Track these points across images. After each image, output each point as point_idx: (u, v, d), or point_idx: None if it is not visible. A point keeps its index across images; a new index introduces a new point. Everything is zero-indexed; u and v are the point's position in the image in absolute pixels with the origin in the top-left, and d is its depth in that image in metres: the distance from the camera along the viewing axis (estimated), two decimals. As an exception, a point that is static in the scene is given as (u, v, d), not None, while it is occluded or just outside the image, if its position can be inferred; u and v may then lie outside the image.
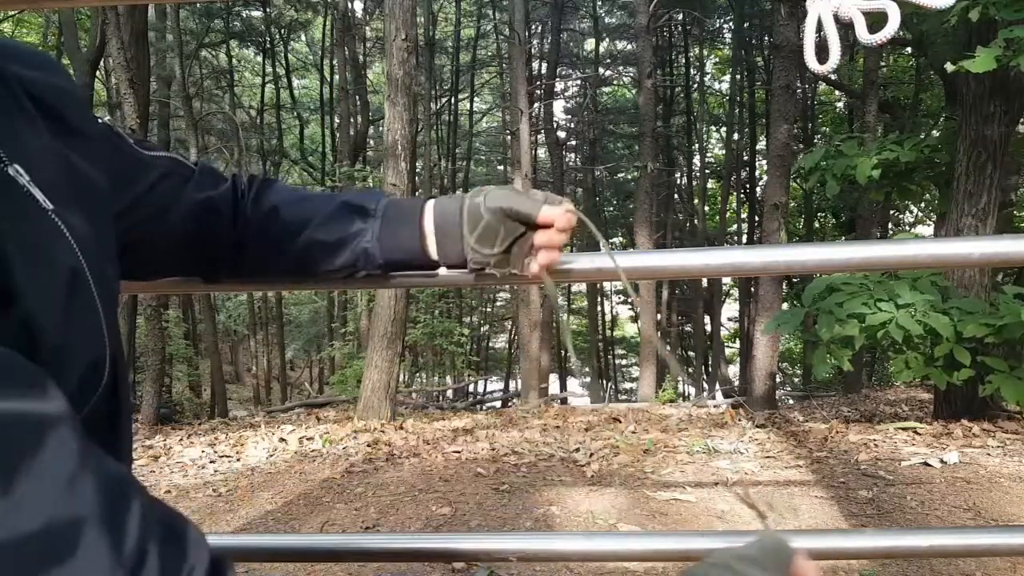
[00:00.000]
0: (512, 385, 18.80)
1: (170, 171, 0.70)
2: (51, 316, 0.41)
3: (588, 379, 18.71)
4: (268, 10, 15.91)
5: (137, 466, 4.23)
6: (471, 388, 16.63)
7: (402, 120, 5.70)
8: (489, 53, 19.14)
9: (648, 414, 5.62)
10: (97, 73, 10.06)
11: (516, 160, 10.88)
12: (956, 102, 4.86)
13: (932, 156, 4.87)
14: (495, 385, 19.98)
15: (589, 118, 17.64)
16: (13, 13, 11.97)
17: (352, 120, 15.48)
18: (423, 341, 12.95)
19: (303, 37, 19.57)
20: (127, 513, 0.34)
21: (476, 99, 20.45)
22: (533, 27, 16.79)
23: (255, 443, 4.63)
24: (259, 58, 18.75)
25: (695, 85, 18.05)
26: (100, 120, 0.61)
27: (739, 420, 5.07)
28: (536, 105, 13.94)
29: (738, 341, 17.36)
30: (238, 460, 4.26)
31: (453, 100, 18.64)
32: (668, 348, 16.16)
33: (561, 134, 18.76)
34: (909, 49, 10.77)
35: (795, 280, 10.21)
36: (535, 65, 17.29)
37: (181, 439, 5.11)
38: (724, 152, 17.44)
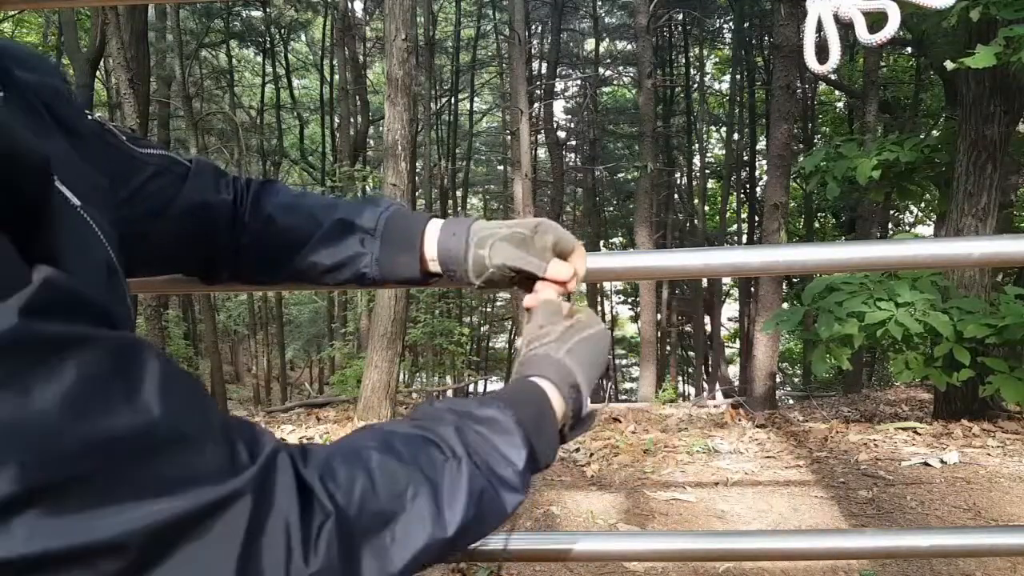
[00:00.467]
0: (512, 385, 18.76)
1: (163, 169, 0.70)
2: (101, 305, 0.43)
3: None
4: (268, 10, 15.91)
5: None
6: (471, 388, 16.63)
7: (402, 120, 5.70)
8: (489, 53, 19.13)
9: (648, 414, 5.62)
10: (97, 73, 10.06)
11: (516, 160, 10.88)
12: (956, 102, 4.86)
13: (932, 156, 4.87)
14: (495, 385, 19.99)
15: (589, 118, 17.63)
16: (13, 13, 11.98)
17: (352, 120, 15.48)
18: (423, 341, 12.94)
19: (303, 37, 19.57)
20: (210, 406, 0.40)
21: (476, 99, 20.45)
22: (533, 27, 16.79)
23: (255, 443, 4.63)
24: (259, 58, 18.75)
25: (695, 85, 18.05)
26: (91, 117, 0.61)
27: (739, 420, 5.07)
28: (536, 105, 13.95)
29: (738, 341, 17.36)
30: (238, 460, 4.25)
31: (453, 100, 18.64)
32: (659, 348, 16.14)
33: (561, 134, 18.77)
34: (909, 49, 10.78)
35: (795, 280, 10.21)
36: (535, 65, 17.30)
37: (181, 439, 5.11)
38: (724, 152, 17.44)
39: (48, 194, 0.40)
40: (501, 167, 21.40)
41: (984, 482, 2.95)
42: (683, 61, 18.19)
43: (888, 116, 11.51)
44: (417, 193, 11.55)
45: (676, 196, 18.34)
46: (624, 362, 22.84)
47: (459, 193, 18.97)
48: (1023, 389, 3.63)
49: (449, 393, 14.82)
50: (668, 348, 16.92)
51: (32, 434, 0.30)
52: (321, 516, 0.40)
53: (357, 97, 15.72)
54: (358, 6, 17.03)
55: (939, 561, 2.25)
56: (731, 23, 16.53)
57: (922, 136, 5.43)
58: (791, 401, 12.31)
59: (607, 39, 18.61)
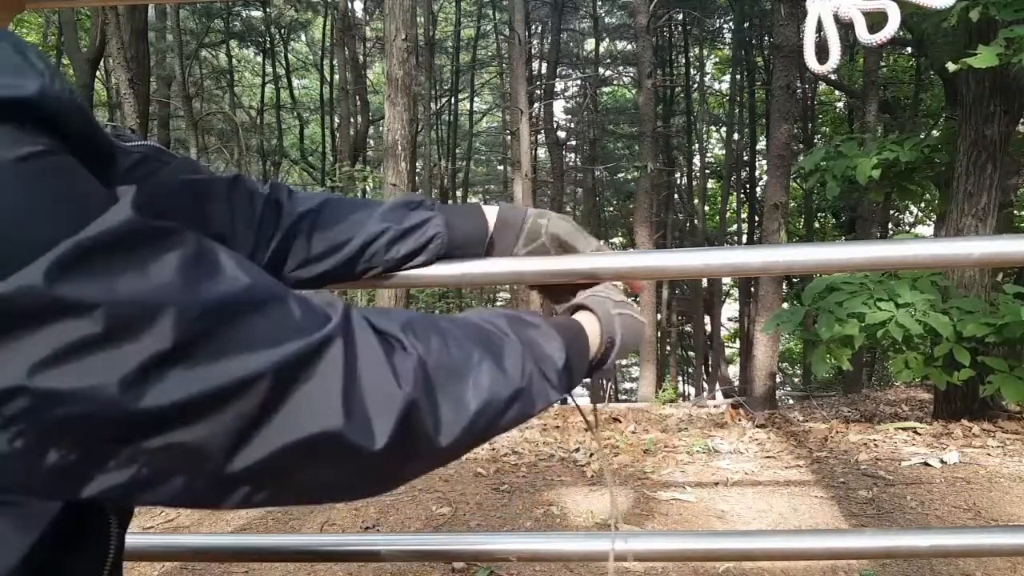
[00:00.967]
0: (512, 385, 18.78)
1: (148, 157, 0.69)
2: None
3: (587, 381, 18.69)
4: (268, 10, 15.91)
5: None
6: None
7: (402, 120, 5.70)
8: (489, 53, 19.14)
9: (648, 414, 5.62)
10: (97, 73, 10.06)
11: (516, 160, 10.88)
12: (956, 102, 4.86)
13: (932, 156, 4.87)
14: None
15: (589, 118, 17.64)
16: (13, 13, 11.96)
17: (352, 120, 15.48)
18: (423, 341, 12.93)
19: (303, 37, 19.58)
20: (276, 280, 0.44)
21: (476, 99, 20.46)
22: (533, 27, 16.80)
23: (255, 443, 4.63)
24: (259, 58, 18.76)
25: (695, 85, 18.05)
26: None
27: (739, 420, 5.07)
28: (536, 105, 13.95)
29: (738, 341, 17.36)
30: (238, 460, 4.26)
31: (453, 100, 18.64)
32: (659, 348, 16.16)
33: (561, 134, 18.77)
34: (909, 49, 10.78)
35: (795, 280, 10.21)
36: (535, 65, 17.30)
37: (181, 439, 5.11)
38: (724, 152, 17.44)
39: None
40: (501, 167, 21.41)
41: (984, 482, 2.95)
42: (683, 61, 18.20)
43: (888, 116, 11.51)
44: (417, 192, 11.52)
45: (676, 196, 18.34)
46: (624, 362, 22.84)
47: (459, 193, 18.97)
48: (1023, 388, 3.63)
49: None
50: (668, 348, 16.92)
51: (164, 301, 0.36)
52: (404, 355, 0.46)
53: (357, 97, 15.73)
54: (358, 6, 17.04)
55: (939, 561, 2.25)
56: (731, 23, 16.53)
57: (922, 136, 5.43)
58: (791, 401, 12.32)
59: (607, 39, 18.62)
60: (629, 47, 17.91)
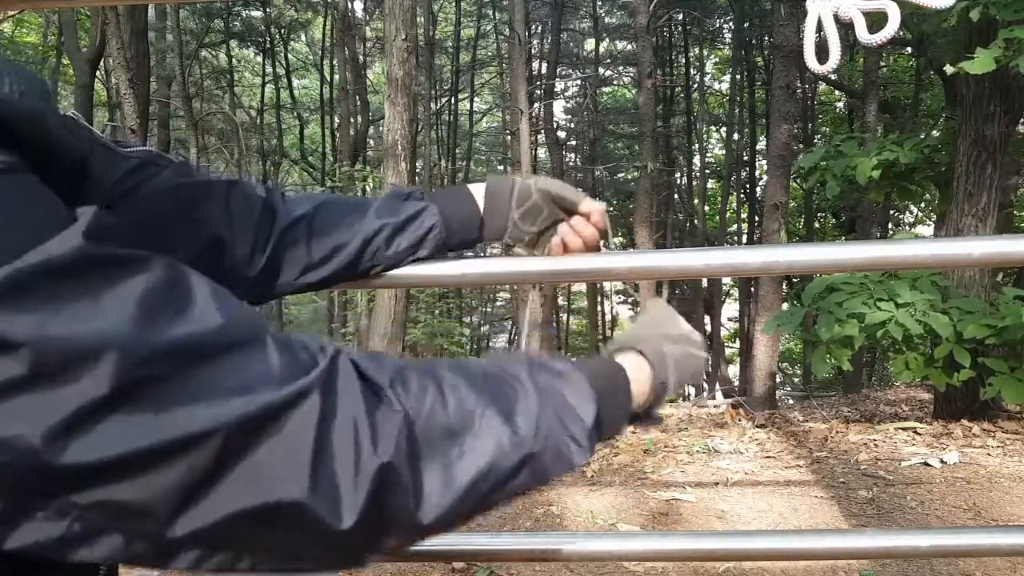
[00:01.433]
0: (512, 385, 18.77)
1: (148, 161, 0.68)
2: None
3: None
4: (268, 10, 15.90)
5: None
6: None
7: (402, 120, 5.70)
8: (489, 53, 19.13)
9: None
10: (97, 73, 10.05)
11: (516, 160, 10.88)
12: (956, 102, 4.86)
13: (932, 156, 4.86)
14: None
15: (589, 118, 17.63)
16: (13, 13, 11.97)
17: (352, 120, 15.47)
18: (423, 341, 12.94)
19: (303, 37, 19.57)
20: (261, 318, 0.41)
21: (476, 99, 20.45)
22: (533, 27, 16.78)
23: (255, 443, 4.63)
24: (259, 58, 18.75)
25: (695, 85, 18.05)
26: (64, 114, 0.61)
27: (739, 420, 5.07)
28: (536, 105, 13.94)
29: (738, 341, 17.36)
30: (238, 460, 4.25)
31: (453, 100, 18.64)
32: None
33: (561, 134, 18.76)
34: (909, 49, 10.77)
35: (795, 280, 10.21)
36: (535, 65, 17.29)
37: (181, 439, 5.11)
38: (724, 152, 17.44)
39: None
40: (501, 167, 21.39)
41: (984, 482, 2.95)
42: (683, 61, 18.19)
43: (888, 116, 11.51)
44: (417, 193, 11.52)
45: (676, 196, 18.33)
46: (624, 362, 22.80)
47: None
48: (1023, 390, 3.63)
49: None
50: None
51: (107, 341, 0.32)
52: (389, 414, 0.41)
53: (357, 97, 15.72)
54: (358, 6, 17.04)
55: (939, 561, 2.25)
56: (731, 23, 16.53)
57: (922, 136, 5.42)
58: (791, 401, 12.31)
59: (607, 39, 18.61)
60: (629, 47, 17.91)
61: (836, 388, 12.03)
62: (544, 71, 17.50)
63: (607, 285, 18.38)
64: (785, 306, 6.82)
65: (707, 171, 18.46)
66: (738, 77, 16.56)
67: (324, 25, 17.33)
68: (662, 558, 0.99)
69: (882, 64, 12.00)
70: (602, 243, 0.81)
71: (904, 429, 4.03)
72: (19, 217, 0.33)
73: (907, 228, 15.05)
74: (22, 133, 0.36)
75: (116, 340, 0.32)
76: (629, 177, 18.86)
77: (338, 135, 16.12)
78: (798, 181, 8.59)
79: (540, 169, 17.49)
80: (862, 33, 0.66)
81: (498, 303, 21.81)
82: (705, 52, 18.45)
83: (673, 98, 17.50)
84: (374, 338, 5.90)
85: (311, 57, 19.85)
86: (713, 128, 19.35)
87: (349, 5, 15.23)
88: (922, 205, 11.59)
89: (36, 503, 0.33)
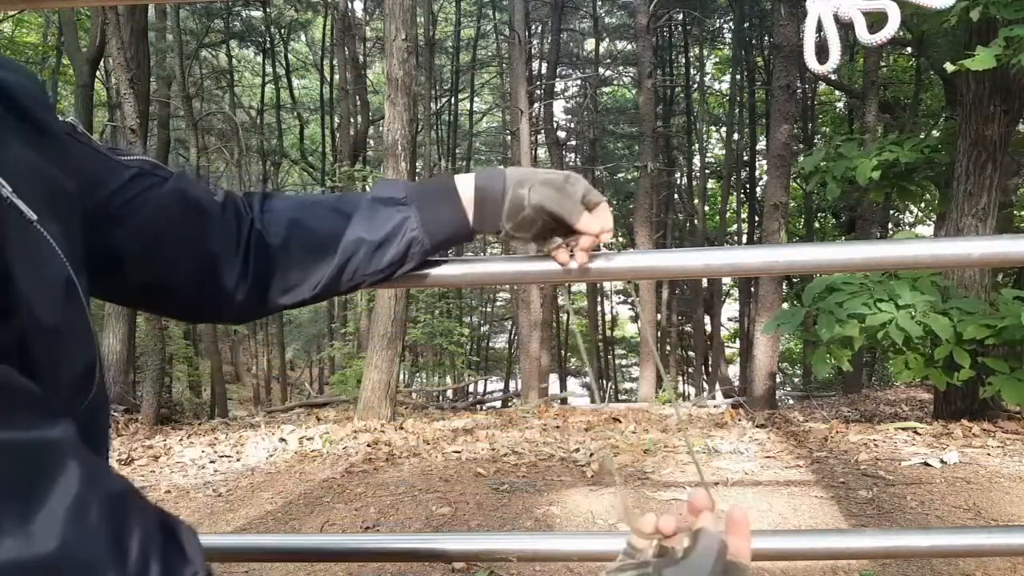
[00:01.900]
0: (512, 385, 18.80)
1: (145, 172, 0.66)
2: (51, 324, 0.42)
3: (588, 380, 18.72)
4: (268, 10, 15.91)
5: (137, 466, 4.23)
6: (471, 388, 16.63)
7: (402, 120, 5.70)
8: (489, 53, 19.14)
9: (648, 414, 5.62)
10: (97, 73, 10.06)
11: (516, 160, 10.88)
12: (956, 102, 4.86)
13: (932, 156, 4.87)
14: (495, 385, 19.98)
15: (589, 118, 17.64)
16: (13, 13, 11.98)
17: (352, 120, 15.48)
18: (423, 341, 12.95)
19: (303, 37, 19.58)
20: (130, 527, 0.36)
21: (476, 99, 20.46)
22: (533, 27, 16.79)
23: (255, 443, 4.63)
24: (259, 58, 18.76)
25: (695, 85, 18.05)
26: (63, 119, 0.59)
27: (739, 420, 5.07)
28: (536, 105, 13.94)
29: (738, 341, 17.36)
30: (238, 460, 4.26)
31: (453, 100, 18.65)
32: (659, 348, 16.15)
33: (561, 134, 18.76)
34: (909, 49, 10.77)
35: (795, 280, 10.21)
36: (535, 65, 17.29)
37: (181, 439, 5.11)
38: (724, 152, 17.44)
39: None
40: (501, 167, 21.39)
41: (984, 482, 2.95)
42: (683, 61, 18.20)
43: (888, 116, 11.51)
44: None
45: (676, 196, 18.34)
46: (624, 362, 22.85)
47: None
48: (1023, 390, 3.63)
49: (449, 393, 14.84)
50: (668, 348, 16.92)
51: None
52: None
53: (357, 97, 15.72)
54: (358, 6, 17.05)
55: (939, 561, 2.25)
56: (731, 23, 16.53)
57: (922, 136, 5.42)
58: (791, 401, 12.32)
59: (607, 39, 18.62)
60: (629, 47, 17.91)
61: (836, 388, 12.03)
62: (544, 71, 17.50)
63: (607, 285, 18.38)
64: (785, 306, 6.82)
65: (707, 171, 18.46)
66: (738, 77, 16.57)
67: (324, 25, 17.33)
68: (662, 558, 0.98)
69: (882, 64, 12.01)
70: (603, 245, 0.78)
71: (904, 429, 4.03)
72: None
73: (907, 228, 15.05)
74: None
75: None
76: (629, 177, 18.87)
77: (338, 135, 16.13)
78: (798, 181, 8.60)
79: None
80: (862, 33, 0.66)
81: (498, 303, 21.81)
82: (705, 52, 18.46)
83: (673, 98, 17.50)
84: (374, 338, 5.90)
85: (311, 57, 19.86)
86: (713, 128, 19.36)
87: (349, 5, 15.24)
88: (922, 205, 11.57)
89: None
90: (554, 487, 3.23)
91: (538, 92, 14.79)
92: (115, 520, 0.36)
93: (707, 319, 16.88)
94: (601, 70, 18.28)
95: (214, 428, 6.04)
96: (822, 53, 0.68)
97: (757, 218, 15.76)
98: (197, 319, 0.83)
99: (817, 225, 15.71)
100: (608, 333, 20.94)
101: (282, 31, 17.34)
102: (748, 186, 17.04)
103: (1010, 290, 4.07)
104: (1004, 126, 4.23)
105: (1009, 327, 3.60)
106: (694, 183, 18.06)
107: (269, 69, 18.00)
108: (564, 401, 12.21)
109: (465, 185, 0.77)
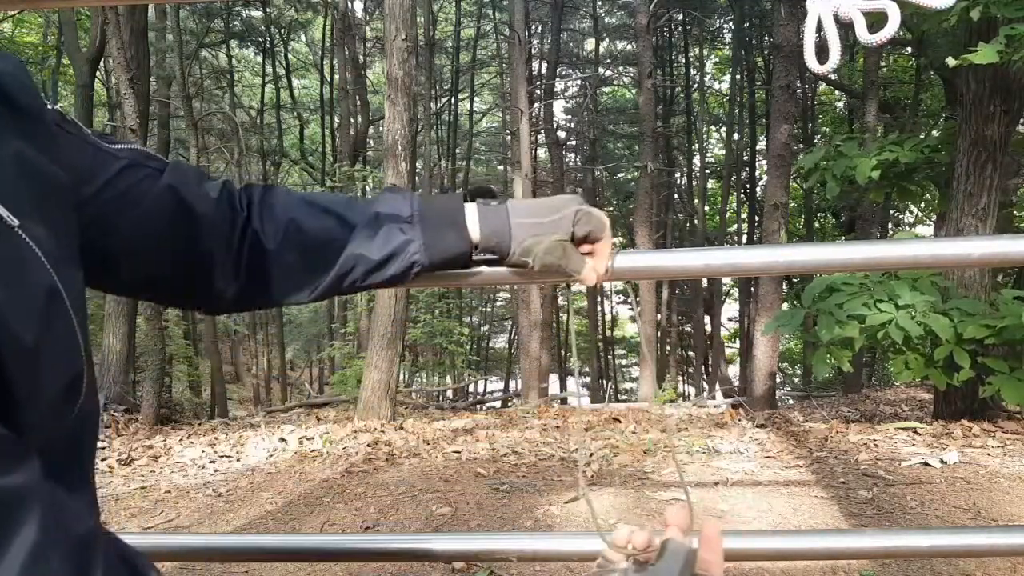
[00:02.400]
0: (512, 385, 18.80)
1: (136, 163, 0.65)
2: (30, 340, 0.40)
3: (587, 382, 18.71)
4: (268, 10, 15.91)
5: (137, 466, 4.23)
6: (471, 388, 16.63)
7: (402, 120, 5.70)
8: (489, 53, 19.14)
9: (648, 414, 5.62)
10: (97, 73, 10.06)
11: (516, 160, 10.89)
12: (956, 102, 4.86)
13: (932, 156, 4.87)
14: (495, 385, 19.98)
15: (589, 118, 17.63)
16: (13, 13, 11.98)
17: (352, 120, 15.48)
18: (423, 341, 12.95)
19: (303, 37, 19.58)
20: (93, 569, 0.36)
21: (476, 99, 20.45)
22: (533, 27, 16.78)
23: (255, 443, 4.63)
24: (259, 58, 18.76)
25: (695, 85, 18.05)
26: (51, 108, 0.58)
27: (739, 420, 5.07)
28: (536, 105, 13.95)
29: (738, 341, 17.36)
30: (238, 460, 4.26)
31: (453, 100, 18.64)
32: (659, 349, 16.14)
33: (561, 134, 18.76)
34: (909, 49, 10.77)
35: (795, 280, 10.21)
36: (535, 65, 17.29)
37: (181, 439, 5.11)
38: (724, 152, 17.44)
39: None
40: (501, 167, 21.40)
41: (984, 482, 2.95)
42: (683, 61, 18.20)
43: (888, 116, 11.51)
44: (418, 192, 11.53)
45: (676, 196, 18.34)
46: (624, 362, 22.84)
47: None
48: (1023, 390, 3.63)
49: (449, 393, 14.84)
50: (668, 348, 16.92)
51: None
52: None
53: (357, 97, 15.72)
54: (358, 6, 17.05)
55: (939, 561, 2.25)
56: (731, 23, 16.53)
57: (922, 136, 5.42)
58: (791, 401, 12.32)
59: (607, 39, 18.61)
60: (629, 47, 17.91)
61: (836, 388, 12.03)
62: (544, 71, 17.50)
63: (607, 285, 18.37)
64: (785, 306, 6.83)
65: (707, 171, 18.46)
66: (738, 77, 16.56)
67: (324, 25, 17.33)
68: (662, 558, 0.98)
69: (882, 64, 12.00)
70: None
71: (904, 429, 4.03)
72: None
73: (907, 228, 15.05)
74: None
75: None
76: (629, 177, 18.87)
77: (338, 135, 16.13)
78: (798, 181, 8.59)
79: (540, 169, 17.48)
80: (862, 33, 0.66)
81: (498, 303, 21.81)
82: (705, 52, 18.46)
83: (673, 98, 17.50)
84: (374, 338, 5.90)
85: (311, 57, 19.85)
86: (713, 128, 19.36)
87: (349, 5, 15.24)
88: (922, 205, 11.57)
89: None
90: (554, 487, 3.23)
91: (538, 92, 14.79)
92: (79, 563, 0.35)
93: (707, 319, 16.87)
94: (601, 70, 18.28)
95: (214, 428, 6.04)
96: (822, 53, 0.68)
97: (757, 218, 15.76)
98: (190, 308, 0.83)
99: (817, 225, 15.70)
100: (608, 333, 20.94)
101: (282, 31, 17.34)
102: (748, 186, 17.04)
103: (1010, 290, 4.07)
104: (1004, 126, 4.23)
105: (1009, 327, 3.60)
106: (694, 183, 18.06)
107: (269, 69, 18.00)
108: (564, 401, 12.22)
109: (472, 218, 0.75)
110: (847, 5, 0.66)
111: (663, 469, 3.46)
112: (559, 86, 18.90)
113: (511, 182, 13.21)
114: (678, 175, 18.33)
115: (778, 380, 8.94)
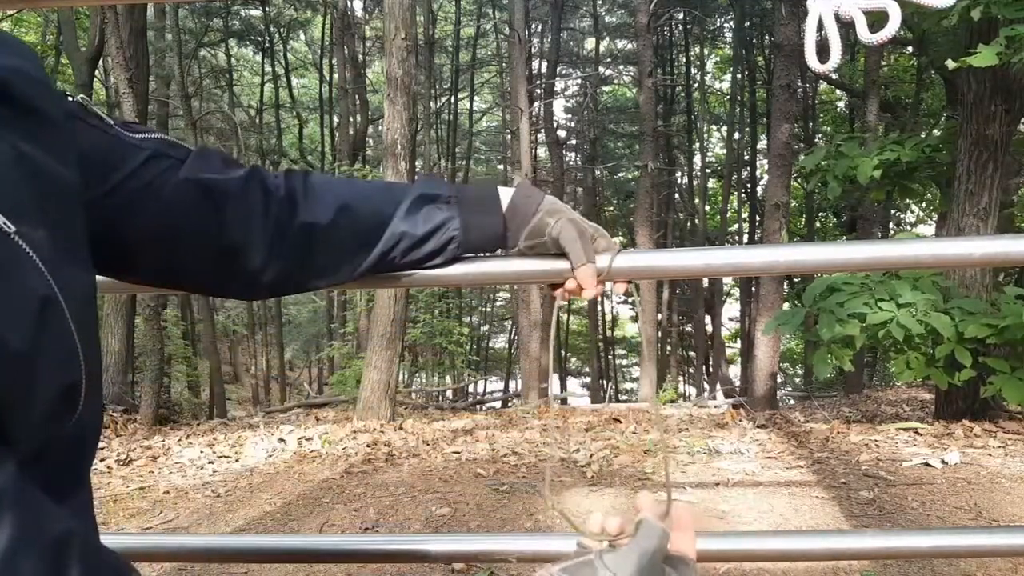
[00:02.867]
0: (512, 385, 18.80)
1: (159, 153, 0.64)
2: (19, 346, 0.39)
3: (587, 382, 18.70)
4: (267, 9, 15.90)
5: (135, 466, 4.23)
6: (471, 388, 16.63)
7: (401, 119, 5.69)
8: (489, 52, 19.13)
9: (648, 414, 5.61)
10: (96, 72, 10.05)
11: (516, 159, 10.89)
12: (957, 101, 4.85)
13: (933, 155, 4.87)
14: (495, 385, 19.97)
15: (589, 117, 17.63)
16: (12, 13, 11.97)
17: (351, 119, 15.47)
18: (423, 341, 12.94)
19: (302, 36, 19.56)
20: (69, 570, 0.36)
21: (476, 98, 20.44)
22: (533, 26, 16.78)
23: (254, 444, 4.63)
24: (258, 57, 18.74)
25: (696, 84, 18.04)
26: (72, 99, 0.56)
27: (740, 420, 5.07)
28: (536, 104, 13.94)
29: (739, 341, 17.36)
30: (237, 460, 4.25)
31: (453, 99, 18.63)
32: (659, 349, 16.14)
33: (561, 133, 18.76)
34: (910, 48, 10.77)
35: (796, 280, 10.21)
36: (535, 64, 17.29)
37: (180, 439, 5.11)
38: (725, 151, 17.44)
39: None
40: (501, 166, 21.39)
41: (985, 482, 2.94)
42: (683, 60, 18.19)
43: (889, 115, 11.51)
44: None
45: (676, 196, 18.33)
46: (624, 362, 22.84)
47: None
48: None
49: (449, 393, 14.84)
50: (668, 348, 16.92)
51: None
52: None
53: (356, 96, 15.72)
54: (358, 5, 17.05)
55: (940, 561, 2.25)
56: (732, 22, 16.53)
57: (923, 135, 5.43)
58: (792, 401, 12.32)
59: (607, 38, 18.61)
60: (629, 46, 17.90)
61: (837, 388, 12.03)
62: (544, 70, 17.50)
63: (607, 285, 18.34)
64: (786, 306, 6.82)
65: (708, 170, 18.46)
66: (739, 76, 16.56)
67: (323, 24, 17.32)
68: (662, 559, 0.98)
69: (883, 63, 11.99)
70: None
71: (905, 429, 4.03)
72: None
73: (908, 228, 15.05)
74: None
75: None
76: (629, 176, 18.86)
77: (337, 134, 16.12)
78: (799, 180, 8.59)
79: (540, 168, 17.48)
80: (863, 32, 0.66)
81: (498, 303, 21.81)
82: (706, 51, 18.45)
83: (673, 97, 17.50)
84: (373, 338, 5.89)
85: (310, 56, 19.84)
86: (714, 127, 19.36)
87: (348, 4, 15.24)
88: (923, 205, 11.59)
89: None
90: (554, 487, 3.23)
91: (538, 91, 14.78)
92: (54, 563, 0.35)
93: (708, 319, 16.87)
94: (601, 69, 18.27)
95: (213, 428, 6.04)
96: (823, 52, 0.68)
97: (758, 218, 15.76)
98: (220, 295, 0.83)
99: (818, 225, 15.70)
100: (608, 333, 20.94)
101: (281, 30, 17.33)
102: (749, 186, 17.04)
103: (1012, 289, 4.07)
104: (1005, 125, 4.22)
105: (1010, 326, 3.60)
106: (695, 183, 18.05)
107: (268, 68, 17.99)
108: (564, 401, 12.21)
109: (505, 195, 0.79)
110: (848, 4, 0.66)
111: (663, 469, 3.46)
112: (559, 85, 18.90)
113: (511, 182, 13.21)
114: (679, 175, 18.32)
115: (779, 380, 8.95)
